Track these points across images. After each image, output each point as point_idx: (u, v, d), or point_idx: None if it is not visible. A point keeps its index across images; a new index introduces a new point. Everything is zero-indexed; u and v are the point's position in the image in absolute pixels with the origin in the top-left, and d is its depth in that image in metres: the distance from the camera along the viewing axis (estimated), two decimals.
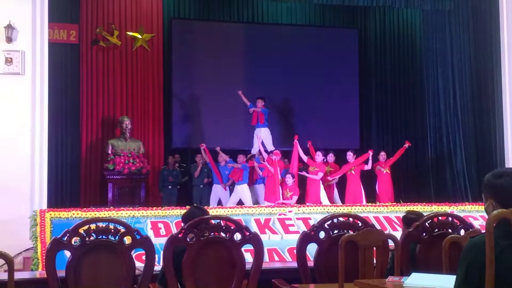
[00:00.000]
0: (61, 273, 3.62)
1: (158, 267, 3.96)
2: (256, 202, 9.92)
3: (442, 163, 11.90)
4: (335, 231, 4.04)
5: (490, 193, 2.53)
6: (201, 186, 10.84)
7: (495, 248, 2.28)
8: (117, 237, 3.65)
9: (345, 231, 4.01)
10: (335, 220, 4.09)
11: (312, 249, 4.07)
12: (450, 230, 3.96)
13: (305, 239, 4.06)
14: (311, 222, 7.28)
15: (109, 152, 10.56)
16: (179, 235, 3.69)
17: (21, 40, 7.99)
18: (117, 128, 11.08)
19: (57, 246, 3.63)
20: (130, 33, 11.69)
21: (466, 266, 2.36)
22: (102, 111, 11.47)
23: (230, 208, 8.26)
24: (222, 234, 3.74)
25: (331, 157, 10.42)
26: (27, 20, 8.04)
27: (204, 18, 12.50)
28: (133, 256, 3.73)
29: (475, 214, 8.24)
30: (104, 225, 3.69)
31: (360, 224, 4.06)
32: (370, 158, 10.15)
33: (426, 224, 3.71)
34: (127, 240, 3.71)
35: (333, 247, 3.87)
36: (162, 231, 7.26)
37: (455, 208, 8.38)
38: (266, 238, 7.32)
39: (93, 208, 7.77)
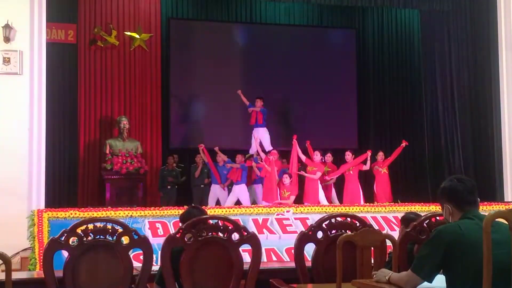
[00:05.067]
0: (58, 273, 3.62)
1: (156, 267, 3.96)
2: (254, 202, 9.91)
3: (440, 163, 11.90)
4: (333, 231, 4.04)
5: (448, 197, 2.91)
6: (201, 186, 10.84)
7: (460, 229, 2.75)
8: (114, 237, 3.65)
9: (343, 231, 4.01)
10: (333, 220, 4.09)
11: (310, 249, 4.07)
12: None
13: (303, 239, 4.06)
14: (309, 222, 7.30)
15: (107, 152, 10.54)
16: (177, 235, 3.69)
17: (19, 40, 7.97)
18: (115, 128, 11.08)
19: (54, 246, 3.62)
20: (128, 33, 11.69)
21: (432, 245, 2.76)
22: (100, 111, 11.46)
23: (228, 208, 8.27)
24: (220, 234, 3.74)
25: (329, 157, 10.40)
26: (25, 19, 8.02)
27: (202, 18, 12.50)
28: (131, 256, 3.73)
29: None
30: (101, 225, 3.69)
31: (358, 224, 4.06)
32: (369, 158, 10.15)
33: (424, 224, 3.71)
34: (125, 240, 3.71)
35: (331, 247, 3.87)
36: (160, 231, 7.27)
37: None
38: (264, 238, 7.34)
39: (91, 208, 7.77)
